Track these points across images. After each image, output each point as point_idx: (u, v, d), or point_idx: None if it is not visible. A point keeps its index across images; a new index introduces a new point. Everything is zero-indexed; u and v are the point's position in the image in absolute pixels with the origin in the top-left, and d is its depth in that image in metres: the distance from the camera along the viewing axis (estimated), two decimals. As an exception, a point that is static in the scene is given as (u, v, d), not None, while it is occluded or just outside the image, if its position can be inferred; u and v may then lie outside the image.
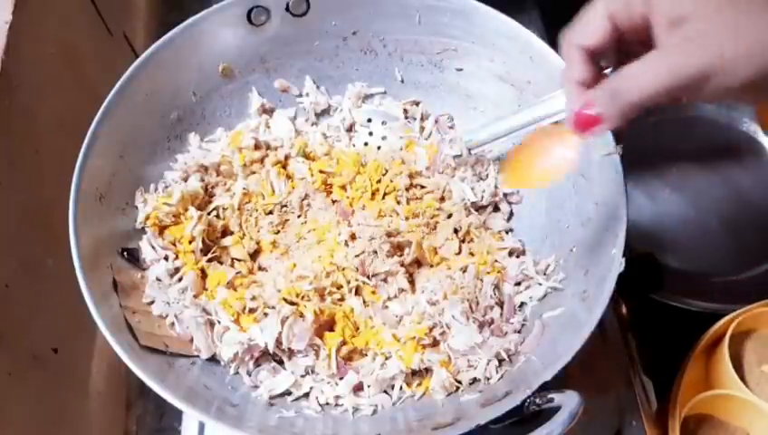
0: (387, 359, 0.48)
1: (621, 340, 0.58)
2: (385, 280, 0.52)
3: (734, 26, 0.30)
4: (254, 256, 0.54)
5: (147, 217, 0.51)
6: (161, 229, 0.52)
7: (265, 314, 0.48)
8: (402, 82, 0.61)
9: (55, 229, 0.45)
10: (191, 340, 0.48)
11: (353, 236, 0.53)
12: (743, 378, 0.55)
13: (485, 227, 0.56)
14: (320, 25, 0.57)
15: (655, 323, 0.61)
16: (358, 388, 0.47)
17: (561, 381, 0.40)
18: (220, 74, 0.57)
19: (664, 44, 0.32)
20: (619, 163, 0.47)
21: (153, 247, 0.51)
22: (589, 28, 0.35)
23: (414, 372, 0.48)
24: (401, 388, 0.48)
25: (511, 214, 0.58)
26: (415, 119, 0.61)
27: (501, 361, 0.48)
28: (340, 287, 0.51)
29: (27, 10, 0.48)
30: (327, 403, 0.48)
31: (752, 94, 0.31)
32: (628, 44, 0.35)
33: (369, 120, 0.62)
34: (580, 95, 0.35)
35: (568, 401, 0.38)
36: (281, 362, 0.49)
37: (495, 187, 0.57)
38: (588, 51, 0.35)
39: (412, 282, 0.53)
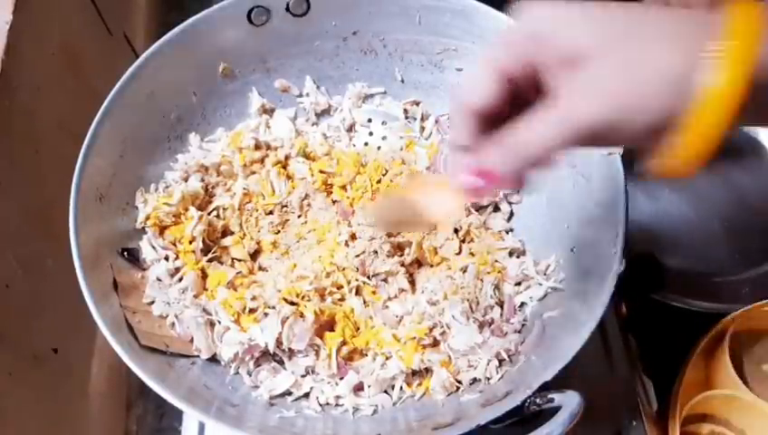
0: (387, 359, 0.48)
1: (621, 340, 0.58)
2: (385, 280, 0.52)
3: (638, 66, 0.26)
4: (254, 256, 0.54)
5: (147, 217, 0.51)
6: (162, 229, 0.52)
7: (266, 314, 0.48)
8: (402, 82, 0.61)
9: (55, 229, 0.45)
10: (191, 340, 0.48)
11: (353, 237, 0.53)
12: (743, 378, 0.55)
13: (486, 226, 0.56)
14: (320, 25, 0.57)
15: (655, 323, 0.61)
16: (358, 388, 0.47)
17: (561, 381, 0.40)
18: (220, 74, 0.57)
19: (559, 93, 0.28)
20: (619, 163, 0.47)
21: (153, 247, 0.51)
22: (474, 85, 0.30)
23: (414, 372, 0.48)
24: (401, 388, 0.48)
25: (511, 214, 0.58)
26: (415, 119, 0.61)
27: (501, 361, 0.48)
28: (340, 287, 0.51)
29: (27, 10, 0.48)
30: (327, 403, 0.48)
31: (665, 133, 0.27)
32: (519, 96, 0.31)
33: (370, 121, 0.62)
34: (466, 161, 0.32)
35: (568, 401, 0.38)
36: (281, 363, 0.49)
37: (495, 187, 0.57)
38: (477, 111, 0.31)
39: (412, 282, 0.53)
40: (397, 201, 0.41)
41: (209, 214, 0.54)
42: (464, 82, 0.32)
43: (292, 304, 0.48)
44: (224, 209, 0.55)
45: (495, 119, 0.31)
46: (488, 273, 0.52)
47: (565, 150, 0.28)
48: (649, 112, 0.26)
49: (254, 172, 0.57)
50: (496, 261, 0.54)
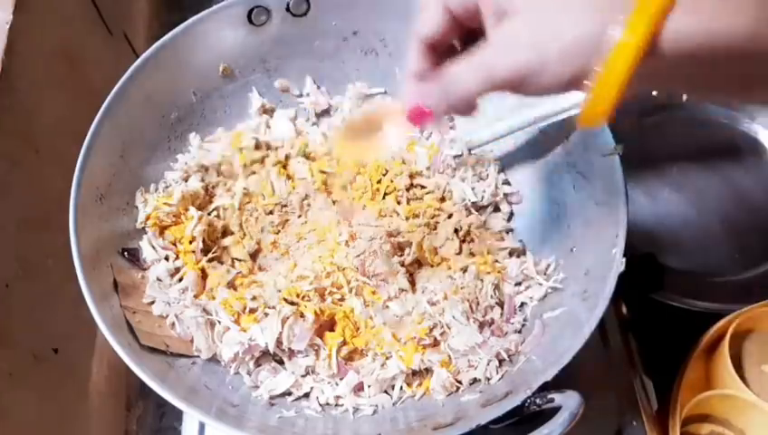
0: (387, 359, 0.48)
1: (621, 340, 0.58)
2: (385, 280, 0.52)
3: (556, 24, 0.29)
4: (254, 256, 0.54)
5: (147, 217, 0.51)
6: (162, 229, 0.52)
7: (266, 314, 0.48)
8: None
9: (55, 229, 0.45)
10: (191, 340, 0.48)
11: (353, 237, 0.53)
12: (743, 378, 0.55)
13: (486, 227, 0.56)
14: (320, 25, 0.57)
15: (655, 323, 0.61)
16: (358, 388, 0.47)
17: (561, 381, 0.40)
18: (220, 74, 0.57)
19: (488, 41, 0.32)
20: (619, 163, 0.47)
21: (153, 247, 0.51)
22: (424, 17, 0.34)
23: (414, 373, 0.48)
24: (401, 388, 0.48)
25: (511, 214, 0.58)
26: (415, 119, 0.61)
27: (501, 361, 0.48)
28: (340, 287, 0.51)
29: (27, 10, 0.48)
30: (327, 403, 0.48)
31: (575, 87, 0.30)
32: (473, 32, 0.34)
33: (370, 121, 0.61)
34: (414, 89, 0.36)
35: (568, 401, 0.38)
36: (281, 363, 0.49)
37: (496, 187, 0.57)
38: (426, 41, 0.35)
39: (412, 282, 0.53)
40: (358, 123, 0.44)
41: (209, 214, 0.54)
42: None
43: (293, 304, 0.48)
44: (224, 209, 0.55)
45: (449, 53, 0.35)
46: (488, 273, 0.52)
47: (486, 93, 0.32)
48: (559, 66, 0.29)
49: (254, 172, 0.57)
50: (496, 261, 0.54)
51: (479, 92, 0.32)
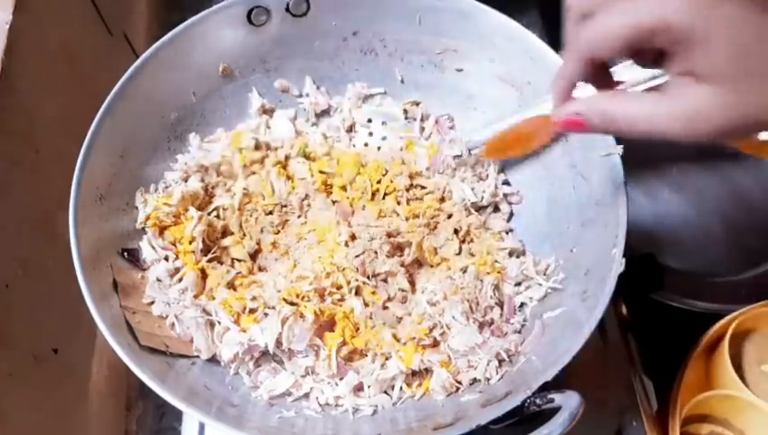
0: (387, 359, 0.48)
1: (621, 340, 0.58)
2: (385, 280, 0.52)
3: (760, 78, 0.28)
4: (254, 256, 0.54)
5: (147, 218, 0.51)
6: (161, 229, 0.52)
7: (265, 315, 0.48)
8: (402, 82, 0.61)
9: (55, 229, 0.45)
10: (191, 340, 0.48)
11: (353, 237, 0.53)
12: (743, 378, 0.55)
13: (485, 227, 0.56)
14: (320, 25, 0.57)
15: (655, 323, 0.61)
16: (358, 388, 0.47)
17: (561, 381, 0.40)
18: (220, 74, 0.57)
19: (673, 84, 0.31)
20: (619, 163, 0.47)
21: (153, 248, 0.51)
22: (602, 39, 0.32)
23: (414, 373, 0.48)
24: (401, 388, 0.48)
25: (511, 214, 0.58)
26: (415, 119, 0.61)
27: (501, 361, 0.48)
28: (340, 288, 0.51)
29: (27, 10, 0.48)
30: (327, 404, 0.48)
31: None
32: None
33: (370, 121, 0.61)
34: (569, 98, 0.35)
35: (568, 402, 0.38)
36: (281, 363, 0.49)
37: (496, 187, 0.57)
38: (595, 59, 0.34)
39: (412, 282, 0.53)
40: (509, 137, 0.47)
41: (209, 214, 0.54)
42: (595, 35, 0.33)
43: (292, 304, 0.48)
44: (224, 210, 0.55)
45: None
46: (488, 273, 0.52)
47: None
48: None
49: (253, 172, 0.57)
50: (496, 261, 0.54)
51: (646, 137, 0.32)
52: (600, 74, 0.35)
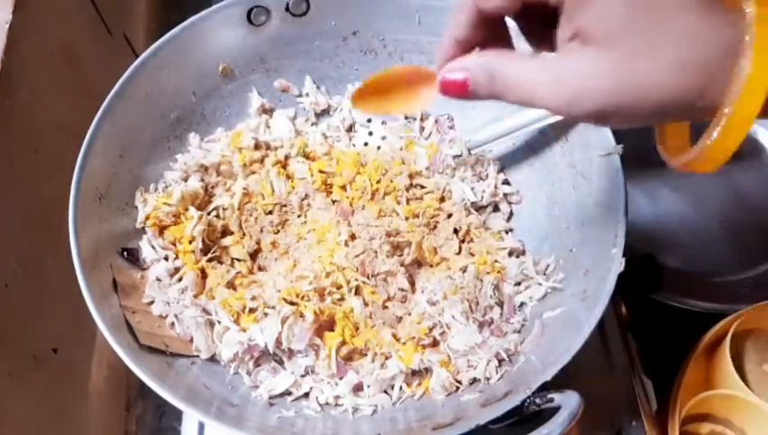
0: (387, 359, 0.48)
1: (621, 340, 0.58)
2: (385, 280, 0.52)
3: (653, 42, 0.25)
4: (253, 256, 0.54)
5: (147, 217, 0.51)
6: (161, 229, 0.52)
7: (265, 314, 0.48)
8: (402, 82, 0.61)
9: (55, 229, 0.45)
10: (191, 340, 0.48)
11: (353, 237, 0.53)
12: (743, 378, 0.55)
13: (485, 227, 0.56)
14: (320, 25, 0.57)
15: (655, 323, 0.61)
16: (358, 388, 0.47)
17: (561, 381, 0.40)
18: (220, 74, 0.57)
19: (561, 47, 0.27)
20: (619, 163, 0.47)
21: (153, 247, 0.51)
22: None
23: (414, 373, 0.48)
24: (401, 388, 0.48)
25: (511, 214, 0.58)
26: (415, 119, 0.61)
27: (501, 361, 0.48)
28: (339, 287, 0.51)
29: (27, 10, 0.48)
30: (327, 403, 0.48)
31: (657, 119, 0.27)
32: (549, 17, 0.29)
33: (369, 120, 0.62)
34: (454, 57, 0.32)
35: (568, 401, 0.38)
36: (281, 362, 0.49)
37: (495, 187, 0.57)
38: (483, 12, 0.30)
39: (412, 282, 0.53)
40: (382, 78, 0.40)
41: (209, 214, 0.54)
42: None
43: (292, 304, 0.48)
44: (223, 209, 0.55)
45: (501, 23, 0.31)
46: (488, 273, 0.52)
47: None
48: (663, 94, 0.25)
49: (253, 172, 0.57)
50: (496, 261, 0.54)
51: (530, 105, 0.29)
52: (496, 36, 0.32)
